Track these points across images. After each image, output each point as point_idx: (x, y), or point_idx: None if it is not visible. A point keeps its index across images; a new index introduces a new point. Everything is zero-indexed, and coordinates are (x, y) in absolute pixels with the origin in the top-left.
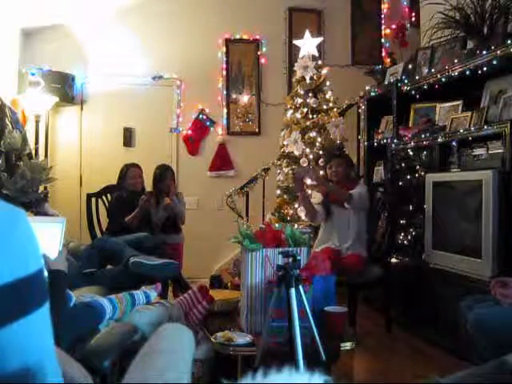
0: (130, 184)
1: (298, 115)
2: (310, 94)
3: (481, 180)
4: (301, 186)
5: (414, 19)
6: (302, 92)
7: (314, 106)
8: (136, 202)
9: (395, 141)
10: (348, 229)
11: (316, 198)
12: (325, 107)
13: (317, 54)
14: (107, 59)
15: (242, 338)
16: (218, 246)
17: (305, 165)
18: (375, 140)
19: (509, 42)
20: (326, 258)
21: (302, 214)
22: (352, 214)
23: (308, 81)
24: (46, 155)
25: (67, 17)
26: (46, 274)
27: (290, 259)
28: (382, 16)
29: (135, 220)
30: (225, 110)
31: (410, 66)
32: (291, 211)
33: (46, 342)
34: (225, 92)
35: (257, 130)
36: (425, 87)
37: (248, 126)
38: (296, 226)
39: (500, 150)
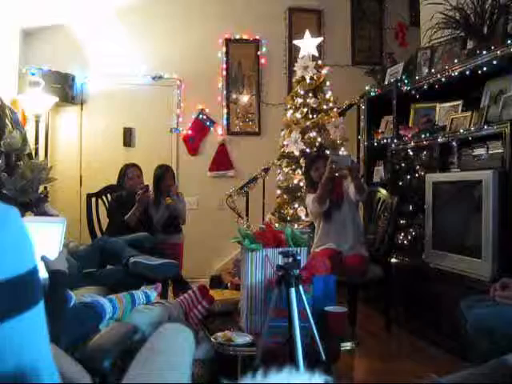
0: (130, 184)
1: (298, 115)
2: (310, 94)
3: (481, 180)
4: (333, 170)
5: (413, 19)
6: (302, 92)
7: (314, 105)
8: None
9: (395, 141)
10: (345, 230)
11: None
12: (325, 107)
13: (317, 54)
14: (107, 59)
15: (241, 338)
16: (218, 246)
17: (303, 163)
18: (375, 140)
19: (509, 41)
20: (326, 258)
21: (302, 214)
22: (348, 214)
23: (308, 81)
24: (45, 155)
25: (67, 17)
26: (42, 273)
27: (290, 259)
28: (382, 16)
29: (135, 217)
30: (225, 110)
31: (410, 66)
32: (291, 211)
33: (41, 341)
34: (225, 92)
35: (257, 129)
36: (425, 87)
37: (248, 126)
38: (296, 225)
39: (500, 150)
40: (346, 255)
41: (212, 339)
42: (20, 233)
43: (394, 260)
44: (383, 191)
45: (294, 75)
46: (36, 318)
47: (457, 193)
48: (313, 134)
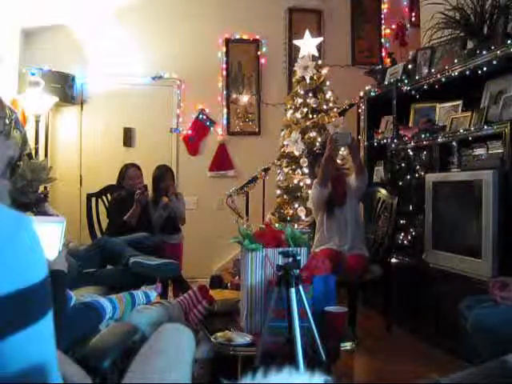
0: (130, 184)
1: (298, 115)
2: (310, 94)
3: (481, 180)
4: (332, 149)
5: (414, 19)
6: (302, 92)
7: (314, 105)
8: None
9: (395, 141)
10: (347, 229)
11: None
12: (325, 107)
13: (317, 54)
14: (107, 59)
15: (241, 338)
16: (218, 246)
17: (303, 163)
18: (375, 140)
19: (509, 41)
20: (326, 258)
21: (302, 214)
22: (350, 213)
23: (308, 81)
24: (45, 155)
25: (67, 17)
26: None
27: (290, 259)
28: (382, 16)
29: (134, 217)
30: (225, 110)
31: (409, 66)
32: (291, 211)
33: (48, 350)
34: (225, 92)
35: (257, 130)
36: (425, 87)
37: (248, 125)
38: (296, 225)
39: (500, 150)
40: (347, 255)
41: (212, 339)
42: (33, 242)
43: (394, 260)
44: (383, 191)
45: (294, 75)
46: (45, 329)
47: (457, 193)
48: (313, 133)
